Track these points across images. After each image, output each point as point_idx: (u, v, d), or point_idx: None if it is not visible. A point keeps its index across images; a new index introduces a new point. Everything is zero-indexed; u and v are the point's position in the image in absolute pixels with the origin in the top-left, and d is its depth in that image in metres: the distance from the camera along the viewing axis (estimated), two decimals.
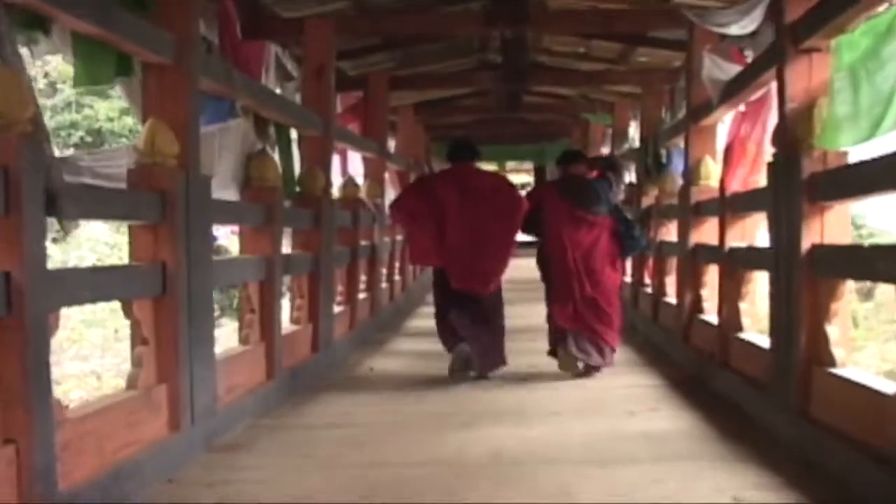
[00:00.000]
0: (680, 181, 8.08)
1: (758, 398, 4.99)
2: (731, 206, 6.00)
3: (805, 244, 4.31)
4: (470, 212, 6.26)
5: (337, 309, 8.02)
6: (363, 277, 9.66)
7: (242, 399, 5.28)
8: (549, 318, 6.64)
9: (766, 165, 5.19)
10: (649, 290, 9.39)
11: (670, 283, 8.39)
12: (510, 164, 27.85)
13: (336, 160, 9.54)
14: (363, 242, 9.63)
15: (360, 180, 10.11)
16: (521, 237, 6.60)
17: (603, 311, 6.50)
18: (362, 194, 9.58)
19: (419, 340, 8.64)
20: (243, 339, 5.69)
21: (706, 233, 7.02)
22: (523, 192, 6.87)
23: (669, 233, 8.62)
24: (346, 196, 8.76)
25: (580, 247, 6.46)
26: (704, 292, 6.97)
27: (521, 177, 35.39)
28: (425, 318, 8.80)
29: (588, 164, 7.02)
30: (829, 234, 4.32)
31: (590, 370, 6.51)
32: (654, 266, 8.97)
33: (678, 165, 8.71)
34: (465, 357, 6.42)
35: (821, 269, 4.26)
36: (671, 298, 8.14)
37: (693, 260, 7.06)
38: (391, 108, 12.91)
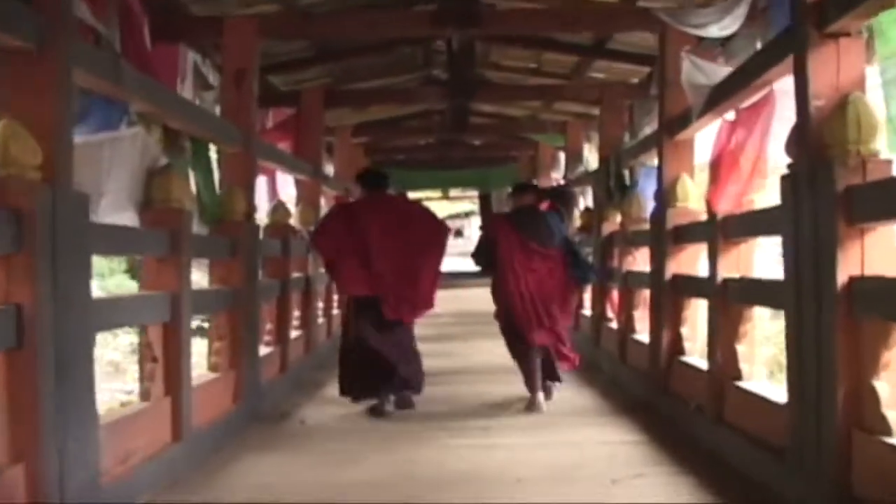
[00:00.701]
0: (650, 204, 7.26)
1: (773, 465, 4.08)
2: (724, 231, 5.09)
3: (841, 276, 3.44)
4: (395, 239, 6.19)
5: (265, 350, 7.02)
6: (296, 313, 8.67)
7: (140, 469, 4.28)
8: (511, 346, 6.62)
9: (766, 181, 4.36)
10: (614, 324, 8.52)
11: (640, 318, 7.53)
12: (454, 192, 27.14)
13: (264, 182, 8.58)
14: (296, 274, 8.63)
15: (292, 206, 9.15)
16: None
17: (558, 333, 6.50)
18: (294, 221, 8.58)
19: None
20: (143, 394, 4.70)
21: (685, 262, 6.17)
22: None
23: (636, 262, 7.77)
24: (275, 222, 7.75)
25: (533, 278, 6.42)
26: (685, 330, 6.10)
27: (464, 205, 34.74)
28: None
29: (538, 195, 6.97)
30: (871, 262, 3.44)
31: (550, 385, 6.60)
32: (620, 299, 8.09)
33: (646, 187, 7.90)
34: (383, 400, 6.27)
35: (863, 306, 3.39)
36: (642, 336, 7.27)
37: (672, 293, 6.18)
38: (328, 129, 11.99)
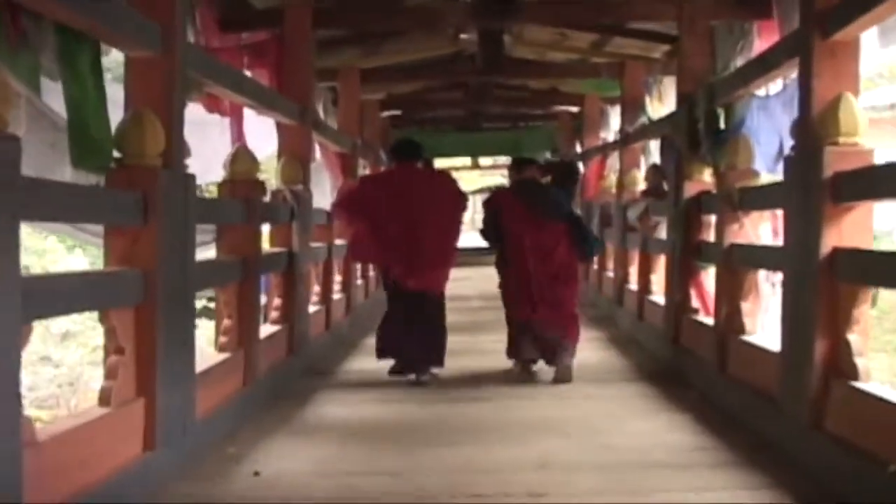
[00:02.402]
0: (772, 148, 5.03)
1: None
2: None
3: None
4: (424, 211, 6.15)
5: (212, 361, 4.88)
6: (276, 301, 6.50)
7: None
8: (509, 319, 6.59)
9: None
10: (704, 319, 6.30)
11: (752, 312, 5.32)
12: (485, 162, 24.79)
13: (222, 124, 6.41)
14: (274, 249, 6.45)
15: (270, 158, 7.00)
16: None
17: (563, 313, 6.41)
18: (268, 176, 6.39)
19: (358, 401, 5.76)
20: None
21: (854, 229, 3.92)
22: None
23: (745, 232, 5.52)
24: (235, 175, 5.51)
25: (538, 251, 6.35)
26: (853, 337, 3.84)
27: (496, 178, 31.99)
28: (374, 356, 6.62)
29: (541, 170, 6.92)
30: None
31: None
32: (719, 285, 5.80)
33: (758, 125, 5.66)
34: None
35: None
36: (758, 339, 5.06)
37: (831, 278, 3.92)
38: (330, 73, 9.79)
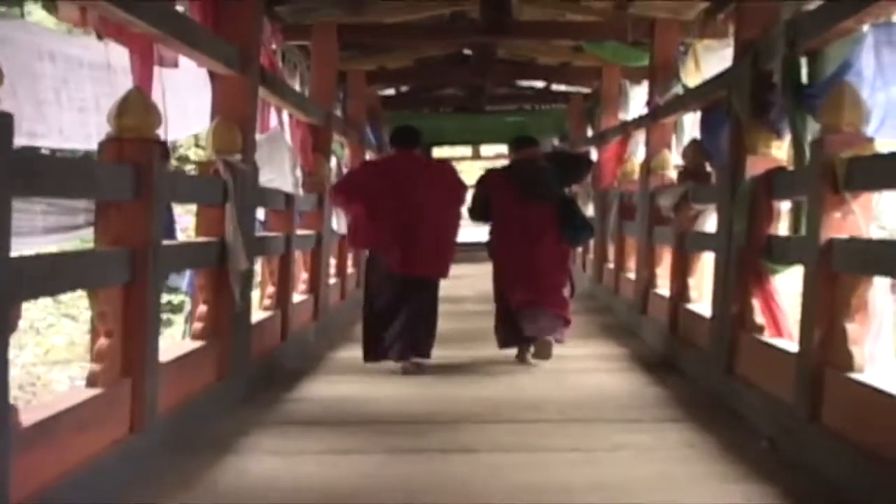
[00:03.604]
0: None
1: None
2: None
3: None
4: (422, 199, 6.03)
5: (78, 396, 3.27)
6: (201, 309, 4.86)
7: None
8: (498, 304, 6.47)
9: None
10: (775, 341, 4.67)
11: (859, 337, 3.68)
12: (486, 152, 23.00)
13: (123, 65, 4.75)
14: (199, 239, 4.82)
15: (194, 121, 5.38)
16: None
17: (554, 298, 6.31)
18: (170, 136, 4.78)
19: (299, 452, 4.10)
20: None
21: None
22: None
23: (854, 222, 3.86)
24: (123, 132, 3.80)
25: (528, 234, 6.26)
26: None
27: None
28: (349, 369, 6.08)
29: (548, 158, 6.91)
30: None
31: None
32: (810, 297, 4.09)
33: (878, 73, 4.02)
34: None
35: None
36: (878, 381, 3.44)
37: None
38: (301, 28, 8.15)
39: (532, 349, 6.33)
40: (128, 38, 4.32)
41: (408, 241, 5.95)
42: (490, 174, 6.96)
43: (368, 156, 11.38)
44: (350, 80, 10.62)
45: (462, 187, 6.41)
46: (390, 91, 14.71)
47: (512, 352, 6.47)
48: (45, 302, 14.53)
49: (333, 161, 9.08)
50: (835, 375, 3.74)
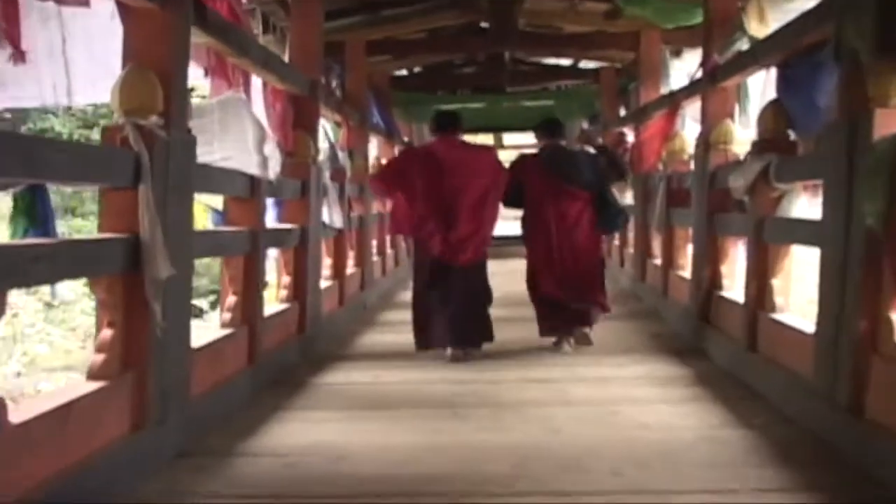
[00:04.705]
0: None
1: None
2: None
3: None
4: (458, 185, 5.93)
5: None
6: (106, 333, 3.44)
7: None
8: (534, 294, 6.38)
9: None
10: None
11: None
12: (509, 139, 21.44)
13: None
14: (101, 235, 3.41)
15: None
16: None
17: (588, 281, 6.25)
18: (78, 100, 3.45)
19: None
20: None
21: None
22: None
23: None
24: None
25: (563, 221, 6.21)
26: None
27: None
28: (333, 401, 4.84)
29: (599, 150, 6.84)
30: None
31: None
32: None
33: None
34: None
35: None
36: None
37: None
38: None
39: (572, 339, 6.23)
40: None
41: (449, 228, 5.92)
42: (523, 159, 6.76)
43: (371, 140, 9.98)
44: (349, 51, 9.19)
45: (504, 173, 6.24)
46: (402, 71, 13.33)
47: (544, 373, 5.11)
48: None
49: (325, 143, 7.66)
50: None
